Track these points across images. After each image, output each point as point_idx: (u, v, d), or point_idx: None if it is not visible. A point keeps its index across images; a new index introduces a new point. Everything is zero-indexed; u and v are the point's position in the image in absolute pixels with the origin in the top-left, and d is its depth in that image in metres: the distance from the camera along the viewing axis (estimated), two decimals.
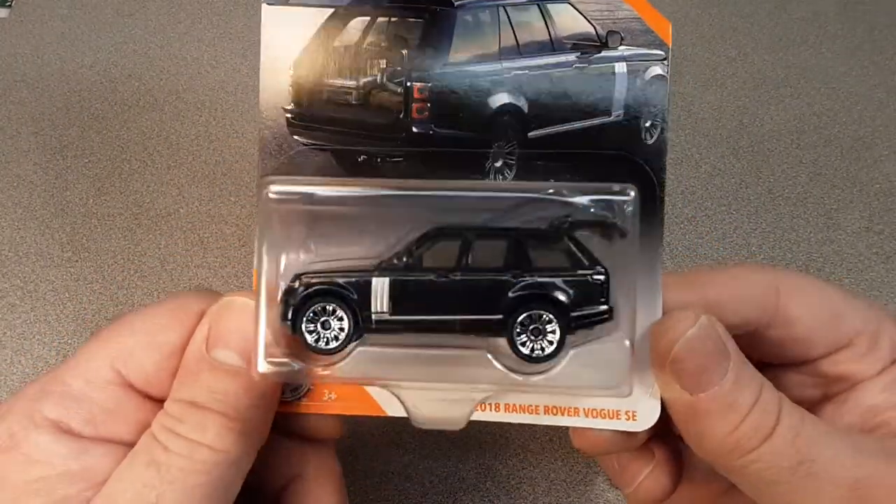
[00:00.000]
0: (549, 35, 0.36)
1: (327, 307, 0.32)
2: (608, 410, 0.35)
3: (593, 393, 0.33)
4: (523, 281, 0.32)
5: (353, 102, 0.35)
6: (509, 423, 0.34)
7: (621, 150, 0.35)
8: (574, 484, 0.48)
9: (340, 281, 0.31)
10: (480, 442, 0.50)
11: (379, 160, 0.35)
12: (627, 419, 0.35)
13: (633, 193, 0.33)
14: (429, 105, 0.35)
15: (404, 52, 0.35)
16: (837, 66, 0.71)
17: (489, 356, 0.33)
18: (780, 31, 0.73)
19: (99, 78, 0.68)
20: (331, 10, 0.35)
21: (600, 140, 0.35)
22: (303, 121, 0.36)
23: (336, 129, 0.36)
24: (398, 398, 0.33)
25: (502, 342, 0.32)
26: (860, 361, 0.35)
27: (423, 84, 0.35)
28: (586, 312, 0.32)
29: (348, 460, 0.48)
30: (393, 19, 0.35)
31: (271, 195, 0.33)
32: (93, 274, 0.56)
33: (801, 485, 0.31)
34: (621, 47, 0.35)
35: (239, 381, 0.32)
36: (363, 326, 0.32)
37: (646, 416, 0.35)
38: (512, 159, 0.35)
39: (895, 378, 0.35)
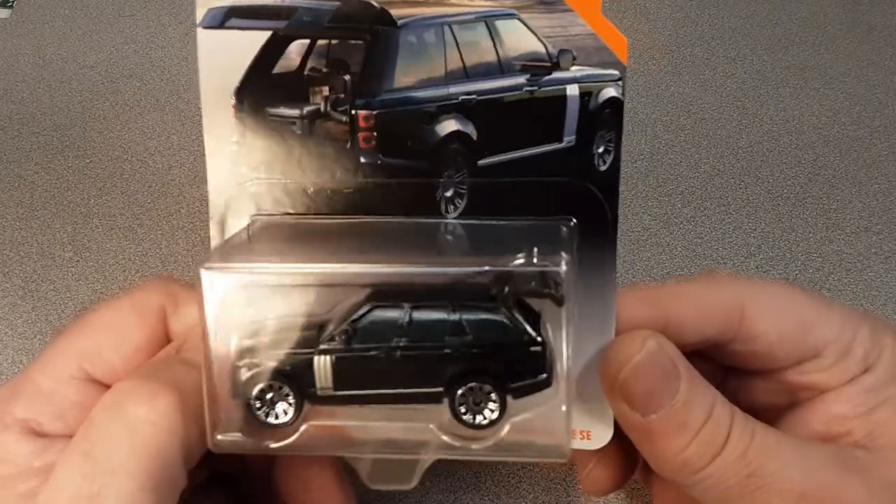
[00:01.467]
0: (497, 55, 0.33)
1: (273, 385, 0.31)
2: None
3: (535, 457, 0.33)
4: (461, 355, 0.31)
5: (298, 133, 0.34)
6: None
7: (571, 179, 0.34)
8: (574, 483, 0.48)
9: (283, 364, 0.31)
10: None
11: (329, 192, 0.34)
12: (582, 438, 0.36)
13: (564, 266, 0.31)
14: (375, 134, 0.33)
15: (346, 77, 0.33)
16: (837, 66, 0.71)
17: (432, 426, 0.32)
18: (780, 31, 0.73)
19: (100, 78, 0.68)
20: (268, 34, 0.33)
21: (551, 167, 0.34)
22: (250, 153, 0.34)
23: (283, 161, 0.34)
24: (349, 464, 0.33)
25: (444, 411, 0.32)
26: (827, 372, 0.35)
27: (368, 112, 0.33)
28: (525, 382, 0.32)
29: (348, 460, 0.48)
30: (333, 42, 0.33)
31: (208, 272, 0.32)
32: (94, 274, 0.56)
33: (749, 498, 0.32)
34: (573, 68, 0.33)
35: (199, 373, 0.31)
36: (309, 400, 0.32)
37: (600, 434, 0.36)
38: (463, 188, 0.34)
39: (863, 387, 0.35)
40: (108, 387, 0.33)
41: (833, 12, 0.74)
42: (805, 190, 0.62)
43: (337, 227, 0.35)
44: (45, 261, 0.57)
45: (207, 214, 0.60)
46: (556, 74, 0.33)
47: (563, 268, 0.31)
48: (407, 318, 0.31)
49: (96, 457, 0.29)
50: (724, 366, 0.38)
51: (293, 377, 0.31)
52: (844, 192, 0.62)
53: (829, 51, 0.71)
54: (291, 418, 0.32)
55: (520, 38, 0.33)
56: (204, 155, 0.63)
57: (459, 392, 0.32)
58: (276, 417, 0.32)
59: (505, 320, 0.31)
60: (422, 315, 0.31)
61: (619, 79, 0.33)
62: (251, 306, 0.32)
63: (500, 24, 0.33)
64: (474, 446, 0.33)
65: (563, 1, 0.33)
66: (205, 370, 0.31)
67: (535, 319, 0.32)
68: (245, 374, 0.31)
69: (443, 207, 0.34)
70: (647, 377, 0.32)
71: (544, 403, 0.32)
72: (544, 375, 0.32)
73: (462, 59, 0.33)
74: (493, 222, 0.34)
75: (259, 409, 0.31)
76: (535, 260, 0.31)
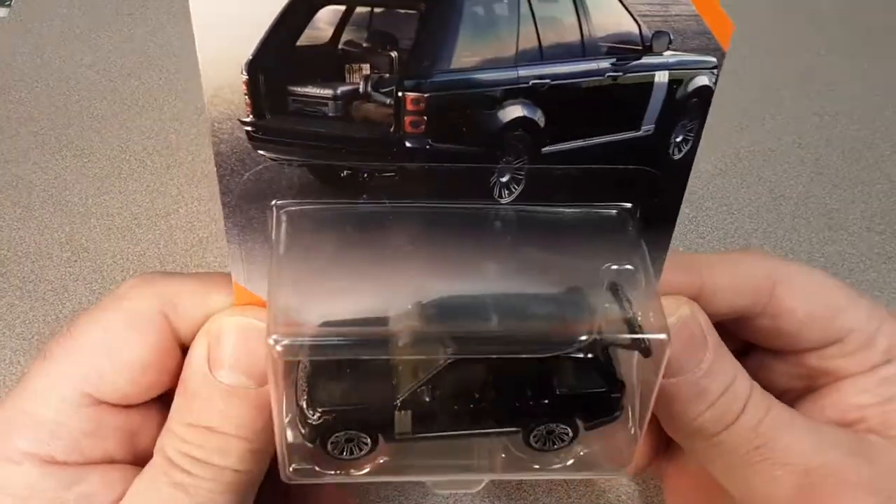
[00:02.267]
0: (581, 35, 0.29)
1: (351, 431, 0.31)
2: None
3: (602, 476, 0.33)
4: (544, 405, 0.31)
5: (330, 115, 0.29)
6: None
7: (641, 166, 0.31)
8: (574, 484, 0.48)
9: (363, 415, 0.30)
10: None
11: (366, 175, 0.30)
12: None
13: (667, 336, 0.29)
14: (425, 118, 0.29)
15: (393, 54, 0.28)
16: (838, 66, 0.70)
17: (502, 455, 0.32)
18: (780, 32, 0.73)
19: (98, 77, 0.68)
20: None
21: (621, 153, 0.30)
22: (267, 135, 0.29)
23: (310, 144, 0.30)
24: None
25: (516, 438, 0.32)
26: (848, 358, 0.35)
27: (418, 95, 0.28)
28: (598, 421, 0.32)
29: None
30: (377, 11, 0.28)
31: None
32: (92, 274, 0.56)
33: (756, 469, 0.33)
34: (667, 52, 0.29)
35: (251, 403, 0.31)
36: (386, 441, 0.31)
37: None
38: (520, 174, 0.30)
39: (884, 378, 0.35)
40: (115, 405, 0.32)
41: (834, 13, 0.74)
42: (807, 190, 0.62)
43: (376, 218, 0.31)
44: (43, 261, 0.56)
45: (207, 215, 0.60)
46: (646, 59, 0.29)
47: (666, 336, 0.29)
48: (489, 371, 0.30)
49: (185, 489, 0.30)
50: (747, 345, 0.38)
51: (370, 427, 0.30)
52: (846, 192, 0.62)
53: (830, 51, 0.71)
54: (366, 454, 0.31)
55: (611, 16, 0.28)
56: (203, 154, 0.63)
57: (534, 432, 0.32)
58: (351, 453, 0.31)
59: (588, 366, 0.31)
60: (505, 365, 0.30)
61: (716, 66, 0.29)
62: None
63: None
64: (536, 466, 0.33)
65: None
66: (276, 415, 0.30)
67: (614, 374, 0.31)
68: (319, 423, 0.30)
69: (496, 192, 0.31)
70: (675, 341, 0.31)
71: (614, 433, 0.32)
72: (618, 413, 0.32)
73: (538, 36, 0.28)
74: (549, 210, 0.31)
75: (334, 450, 0.31)
76: (629, 313, 0.30)
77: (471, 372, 0.30)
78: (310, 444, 0.30)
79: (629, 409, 0.32)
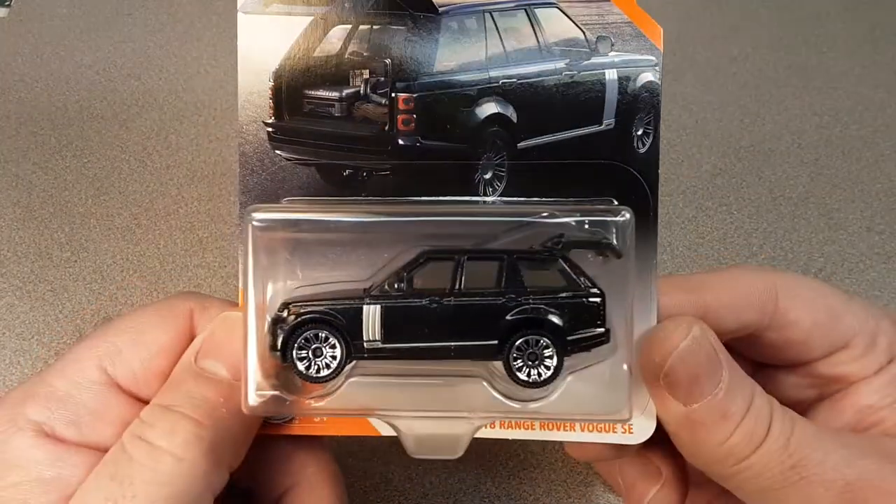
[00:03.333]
0: (538, 41, 0.35)
1: (319, 334, 0.31)
2: (604, 424, 0.34)
3: (592, 419, 0.33)
4: (518, 305, 0.31)
5: (336, 115, 0.34)
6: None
7: (612, 160, 0.34)
8: (573, 486, 0.48)
9: (330, 308, 0.31)
10: (480, 444, 0.50)
11: (365, 174, 0.34)
12: (624, 432, 0.35)
13: (628, 215, 0.32)
14: (415, 116, 0.34)
15: (387, 61, 0.34)
16: (838, 65, 0.70)
17: (485, 384, 0.32)
18: (780, 31, 0.72)
19: (98, 77, 0.68)
20: (309, 18, 0.34)
21: (591, 149, 0.34)
22: (284, 135, 0.35)
23: (319, 143, 0.35)
24: (392, 426, 0.33)
25: (498, 368, 0.31)
26: (857, 363, 0.35)
27: (408, 95, 0.34)
28: (583, 335, 0.31)
29: (348, 462, 0.48)
30: (375, 27, 0.34)
31: (255, 223, 0.32)
32: (92, 274, 0.56)
33: (793, 489, 0.32)
34: (611, 53, 0.34)
35: (218, 390, 0.32)
36: (355, 354, 0.31)
37: (642, 428, 0.35)
38: (502, 171, 0.34)
39: (891, 377, 0.35)
40: (126, 392, 0.33)
41: (834, 12, 0.74)
42: (807, 190, 0.62)
43: (376, 209, 0.35)
44: (43, 261, 0.56)
45: (207, 215, 0.60)
46: (595, 59, 0.34)
47: (626, 217, 0.32)
48: (461, 271, 0.31)
49: (121, 481, 0.29)
50: (754, 363, 0.38)
51: (339, 326, 0.31)
52: (846, 192, 0.62)
53: (830, 50, 0.71)
54: (334, 370, 0.31)
55: (559, 25, 0.34)
56: (203, 154, 0.63)
57: (515, 344, 0.31)
58: (318, 370, 0.31)
59: (561, 271, 0.31)
60: (476, 266, 0.31)
61: (656, 64, 0.34)
62: (295, 259, 0.32)
63: (540, 12, 0.34)
64: (531, 406, 0.32)
65: None
66: (245, 327, 0.31)
67: (589, 278, 0.32)
68: (288, 323, 0.31)
69: (481, 190, 0.34)
70: (691, 365, 0.31)
71: (604, 360, 0.32)
72: (602, 329, 0.31)
73: (503, 43, 0.34)
74: (534, 202, 0.34)
75: (303, 358, 0.31)
76: (590, 217, 0.32)
77: (440, 271, 0.31)
78: (275, 354, 0.31)
79: (617, 340, 0.32)
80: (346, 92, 0.34)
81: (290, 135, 0.35)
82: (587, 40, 0.34)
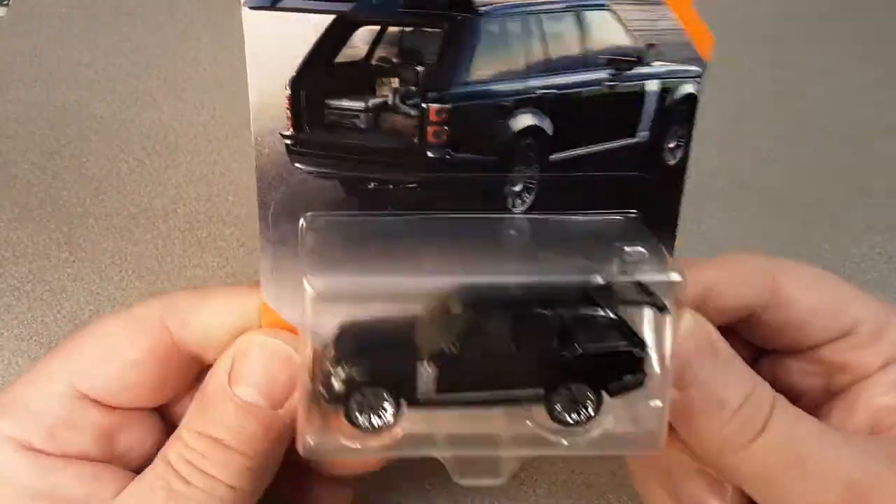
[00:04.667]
0: (583, 48, 0.32)
1: (374, 391, 0.31)
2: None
3: (631, 453, 0.33)
4: (566, 359, 0.31)
5: (361, 126, 0.32)
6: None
7: (641, 172, 0.33)
8: (575, 486, 0.48)
9: (384, 368, 0.30)
10: None
11: (391, 187, 0.32)
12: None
13: (677, 277, 0.31)
14: (446, 129, 0.31)
15: (419, 68, 0.31)
16: (839, 64, 0.70)
17: (528, 423, 0.32)
18: (780, 31, 0.73)
19: (97, 77, 0.67)
20: (330, 18, 0.30)
21: (620, 161, 0.33)
22: (305, 147, 0.32)
23: (343, 156, 0.32)
24: (441, 460, 0.33)
25: (540, 409, 0.32)
26: (862, 350, 0.35)
27: (440, 106, 0.31)
28: (622, 383, 0.32)
29: None
30: (406, 30, 0.31)
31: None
32: (90, 274, 0.56)
33: (794, 484, 0.31)
34: (656, 63, 0.32)
35: (260, 422, 0.32)
36: (409, 406, 0.31)
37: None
38: (532, 183, 0.33)
39: None
40: (98, 403, 0.33)
41: (834, 11, 0.74)
42: (807, 190, 0.62)
43: (403, 227, 0.33)
44: (41, 261, 0.56)
45: (206, 215, 0.60)
46: (638, 69, 0.32)
47: (678, 277, 0.30)
48: (510, 325, 0.31)
49: (176, 500, 0.31)
50: (759, 351, 0.38)
51: (393, 386, 0.31)
52: (847, 192, 0.62)
53: (830, 50, 0.71)
54: (390, 421, 0.31)
55: (608, 31, 0.31)
56: (202, 154, 0.63)
57: (559, 394, 0.31)
58: (375, 421, 0.31)
59: (609, 324, 0.31)
60: (526, 321, 0.31)
61: (699, 76, 0.32)
62: (340, 311, 0.31)
63: (590, 16, 0.31)
64: (565, 442, 0.32)
65: None
66: (300, 377, 0.31)
67: (634, 332, 0.31)
68: (341, 380, 0.30)
69: (510, 202, 0.33)
70: (685, 352, 0.31)
71: (640, 401, 0.32)
72: (642, 375, 0.31)
73: (546, 51, 0.31)
74: (561, 218, 0.34)
75: (357, 415, 0.31)
76: (637, 265, 0.31)
77: (494, 329, 0.31)
78: (331, 407, 0.31)
79: (653, 380, 0.31)
80: (372, 102, 0.31)
81: (310, 147, 0.32)
82: (635, 48, 0.32)
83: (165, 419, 0.36)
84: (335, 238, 0.33)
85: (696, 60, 0.32)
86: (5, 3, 0.72)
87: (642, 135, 0.33)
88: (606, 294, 0.31)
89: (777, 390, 0.33)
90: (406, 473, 0.48)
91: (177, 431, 0.33)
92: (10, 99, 0.66)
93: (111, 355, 0.33)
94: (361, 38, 0.31)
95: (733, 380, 0.32)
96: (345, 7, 0.30)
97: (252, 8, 0.29)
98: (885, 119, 0.66)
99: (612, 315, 0.31)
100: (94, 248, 0.57)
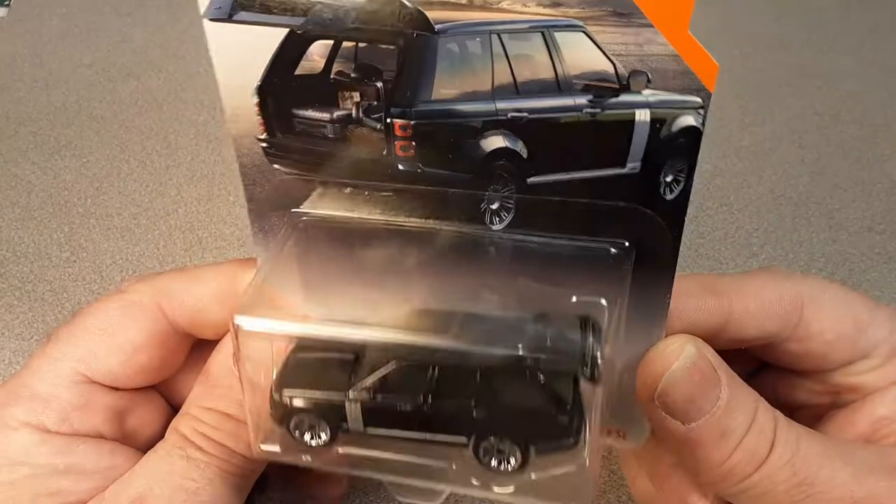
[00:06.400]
0: (555, 72, 0.30)
1: (310, 418, 0.33)
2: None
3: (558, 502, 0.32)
4: (489, 414, 0.31)
5: (330, 136, 0.31)
6: None
7: (633, 204, 0.31)
8: None
9: (319, 402, 0.32)
10: None
11: (367, 193, 0.32)
12: (617, 436, 0.35)
13: (602, 351, 0.29)
14: (413, 144, 0.30)
15: (379, 84, 0.30)
16: (839, 64, 0.70)
17: (454, 466, 0.32)
18: (780, 31, 0.72)
19: (97, 77, 0.68)
20: (285, 31, 0.29)
21: (610, 190, 0.31)
22: (280, 151, 0.32)
23: (317, 161, 0.32)
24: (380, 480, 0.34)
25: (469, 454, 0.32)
26: (875, 373, 0.35)
27: (404, 121, 0.30)
28: (549, 445, 0.31)
29: None
30: (361, 45, 0.30)
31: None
32: (91, 274, 0.56)
33: None
34: (646, 91, 0.29)
35: (265, 399, 0.33)
36: (341, 436, 0.33)
37: (637, 435, 0.34)
38: (510, 202, 0.32)
39: None
40: (105, 385, 0.34)
41: (834, 11, 0.74)
42: (807, 190, 0.62)
43: (383, 237, 0.33)
44: (42, 261, 0.56)
45: (206, 215, 0.60)
46: (625, 97, 0.29)
47: (602, 353, 0.29)
48: (435, 375, 0.31)
49: (197, 465, 0.32)
50: (763, 361, 0.38)
51: (327, 415, 0.32)
52: (847, 192, 0.62)
53: (831, 50, 0.71)
54: (326, 442, 0.32)
55: (584, 54, 0.29)
56: (202, 154, 0.63)
57: (482, 446, 0.31)
58: (313, 439, 0.33)
59: (534, 388, 0.30)
60: (451, 373, 0.31)
61: (702, 106, 0.29)
62: (286, 339, 0.32)
63: (561, 37, 0.29)
64: (496, 488, 0.32)
65: (641, 13, 0.28)
66: (245, 393, 0.32)
67: (564, 398, 0.31)
68: (283, 404, 0.32)
69: (487, 219, 0.32)
70: (686, 384, 0.31)
71: (568, 461, 0.31)
72: (571, 440, 0.31)
73: (513, 73, 0.30)
74: (541, 241, 0.32)
75: (297, 433, 0.32)
76: (586, 344, 0.29)
77: (418, 376, 0.31)
78: (277, 426, 0.32)
79: (582, 444, 0.31)
80: (336, 114, 0.31)
81: (285, 151, 0.32)
82: (618, 74, 0.29)
83: (164, 397, 0.37)
84: (313, 245, 0.34)
85: (698, 91, 0.29)
86: (6, 3, 0.72)
87: (633, 165, 0.30)
88: (535, 361, 0.30)
89: (779, 403, 0.33)
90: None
91: (184, 408, 0.34)
92: (10, 99, 0.66)
93: (114, 341, 0.34)
94: (317, 52, 0.30)
95: (736, 406, 0.31)
96: (296, 21, 0.29)
97: (211, 19, 0.30)
98: (885, 118, 0.66)
99: (540, 379, 0.30)
100: (95, 248, 0.57)
